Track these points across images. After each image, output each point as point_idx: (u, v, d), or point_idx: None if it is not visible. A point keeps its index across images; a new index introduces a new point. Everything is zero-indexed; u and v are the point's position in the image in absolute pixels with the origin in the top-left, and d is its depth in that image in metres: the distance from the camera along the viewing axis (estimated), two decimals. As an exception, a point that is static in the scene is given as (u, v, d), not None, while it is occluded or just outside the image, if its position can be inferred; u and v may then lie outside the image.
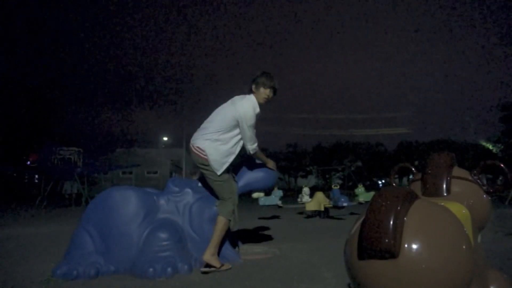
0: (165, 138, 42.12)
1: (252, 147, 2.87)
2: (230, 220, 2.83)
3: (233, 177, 3.08)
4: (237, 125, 2.81)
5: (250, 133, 2.80)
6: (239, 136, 2.87)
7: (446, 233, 1.04)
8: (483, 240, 1.41)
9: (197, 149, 2.84)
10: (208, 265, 2.65)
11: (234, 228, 2.91)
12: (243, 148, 2.96)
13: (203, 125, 2.93)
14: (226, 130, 2.81)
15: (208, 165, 2.81)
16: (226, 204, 2.82)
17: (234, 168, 3.24)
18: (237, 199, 2.93)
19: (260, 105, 2.91)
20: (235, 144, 2.87)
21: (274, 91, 2.93)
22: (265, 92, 2.87)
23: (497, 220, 5.78)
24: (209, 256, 2.67)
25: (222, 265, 2.70)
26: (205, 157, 2.80)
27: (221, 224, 2.77)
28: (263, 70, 2.96)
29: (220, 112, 2.89)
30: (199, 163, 2.87)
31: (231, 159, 2.86)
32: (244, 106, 2.79)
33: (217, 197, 2.94)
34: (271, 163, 3.18)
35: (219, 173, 2.81)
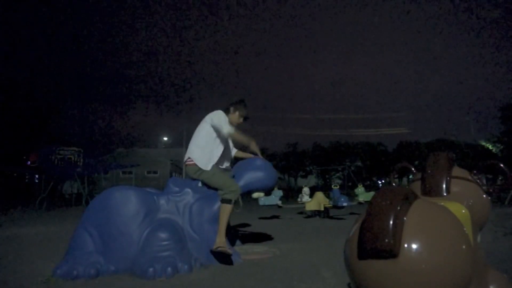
0: (165, 138, 42.16)
1: (226, 130, 3.14)
2: (234, 202, 2.98)
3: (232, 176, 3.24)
4: (212, 130, 3.18)
5: (221, 122, 3.13)
6: (218, 140, 3.22)
7: (446, 233, 1.05)
8: (483, 240, 1.41)
9: (188, 160, 3.19)
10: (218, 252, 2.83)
11: (238, 210, 3.09)
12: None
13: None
14: (205, 136, 3.18)
15: (198, 169, 3.10)
16: (226, 189, 2.98)
17: (234, 169, 3.30)
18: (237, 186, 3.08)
19: (230, 124, 3.30)
20: (217, 147, 3.21)
21: (245, 119, 3.42)
22: (239, 119, 3.37)
23: (497, 220, 5.78)
24: (216, 245, 2.84)
25: (230, 253, 2.84)
26: (193, 162, 3.13)
27: (223, 209, 2.94)
28: (241, 97, 3.42)
29: (198, 128, 3.30)
30: (192, 173, 3.16)
31: (215, 157, 3.18)
32: (214, 112, 3.24)
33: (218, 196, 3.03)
34: (259, 154, 3.31)
35: (208, 168, 3.10)
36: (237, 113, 3.35)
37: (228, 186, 2.99)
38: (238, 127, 3.41)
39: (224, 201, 2.94)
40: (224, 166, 3.38)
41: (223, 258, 2.84)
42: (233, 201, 2.95)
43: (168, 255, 2.60)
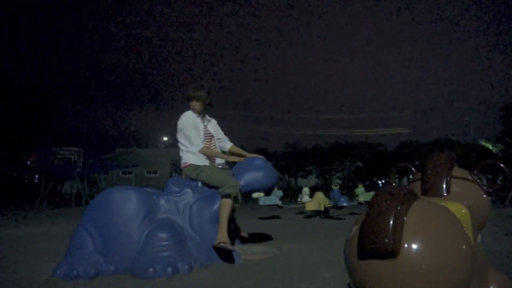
0: (165, 138, 42.18)
1: (195, 148, 3.22)
2: (234, 198, 2.99)
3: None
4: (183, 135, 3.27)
5: (190, 136, 3.22)
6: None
7: (446, 233, 1.04)
8: (483, 240, 1.41)
9: (183, 164, 3.27)
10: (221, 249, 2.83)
11: (237, 204, 3.08)
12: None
13: None
14: (185, 142, 3.27)
15: (195, 168, 3.17)
16: (226, 185, 3.00)
17: (234, 169, 3.29)
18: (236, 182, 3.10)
19: (200, 114, 3.34)
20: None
21: (209, 104, 3.35)
22: (191, 105, 3.30)
23: (497, 220, 5.78)
24: (217, 240, 2.84)
25: (231, 250, 2.84)
26: (188, 163, 3.22)
27: (223, 205, 2.94)
28: (198, 83, 3.35)
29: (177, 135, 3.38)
30: (190, 173, 3.21)
31: (203, 157, 3.25)
32: (180, 118, 3.29)
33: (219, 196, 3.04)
34: (234, 158, 3.38)
35: (207, 163, 3.21)
36: (194, 101, 3.29)
37: (228, 182, 3.01)
38: (206, 112, 3.43)
39: (224, 196, 2.96)
40: (220, 166, 3.38)
41: (224, 255, 2.85)
42: (232, 196, 2.96)
43: (168, 255, 2.60)
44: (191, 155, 3.24)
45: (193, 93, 3.27)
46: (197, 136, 3.25)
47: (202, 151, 3.23)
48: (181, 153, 3.34)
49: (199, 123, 3.33)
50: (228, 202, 2.94)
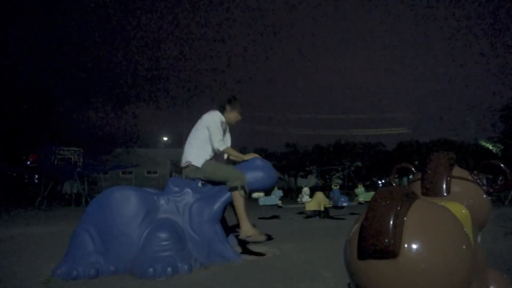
0: (165, 138, 42.23)
1: (217, 144, 3.20)
2: (243, 188, 3.00)
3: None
4: (207, 133, 3.24)
5: (215, 133, 3.20)
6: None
7: (446, 233, 1.04)
8: (483, 240, 1.41)
9: (185, 163, 3.24)
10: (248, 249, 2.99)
11: (245, 195, 3.08)
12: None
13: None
14: (200, 135, 3.25)
15: (196, 168, 3.17)
16: (231, 178, 3.01)
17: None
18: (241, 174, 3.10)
19: (231, 124, 3.45)
20: (209, 144, 3.25)
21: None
22: (237, 117, 3.42)
23: (497, 220, 5.78)
24: (243, 233, 2.99)
25: (260, 233, 3.00)
26: (188, 162, 3.21)
27: (234, 198, 2.99)
28: (234, 94, 3.40)
29: (195, 127, 3.35)
30: (192, 174, 3.20)
31: (208, 153, 3.23)
32: (210, 115, 3.29)
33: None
34: (251, 156, 3.30)
35: (199, 164, 3.17)
36: (234, 111, 3.38)
37: (233, 175, 3.03)
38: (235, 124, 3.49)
39: (232, 189, 2.99)
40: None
41: (249, 249, 3.01)
42: (239, 187, 2.98)
43: (168, 255, 2.60)
44: (195, 152, 3.22)
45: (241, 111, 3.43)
46: (221, 135, 3.27)
47: (226, 150, 3.27)
48: (187, 149, 3.29)
49: (223, 127, 3.37)
50: (238, 194, 2.98)
